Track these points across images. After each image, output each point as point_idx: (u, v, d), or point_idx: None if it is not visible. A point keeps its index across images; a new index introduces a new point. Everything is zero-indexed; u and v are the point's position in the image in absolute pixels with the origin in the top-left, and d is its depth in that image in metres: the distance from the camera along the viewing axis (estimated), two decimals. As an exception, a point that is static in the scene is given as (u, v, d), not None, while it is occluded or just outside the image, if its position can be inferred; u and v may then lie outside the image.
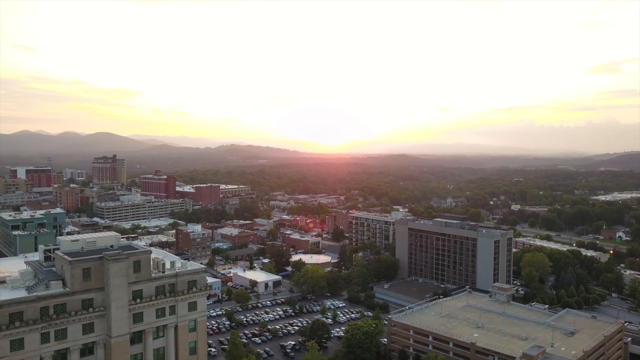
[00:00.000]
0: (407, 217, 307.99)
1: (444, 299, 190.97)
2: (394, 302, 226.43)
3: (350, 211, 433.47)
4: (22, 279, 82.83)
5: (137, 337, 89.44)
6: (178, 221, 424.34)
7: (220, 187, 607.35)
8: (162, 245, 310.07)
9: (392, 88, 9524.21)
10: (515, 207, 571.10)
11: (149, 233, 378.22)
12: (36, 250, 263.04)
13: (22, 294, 76.64)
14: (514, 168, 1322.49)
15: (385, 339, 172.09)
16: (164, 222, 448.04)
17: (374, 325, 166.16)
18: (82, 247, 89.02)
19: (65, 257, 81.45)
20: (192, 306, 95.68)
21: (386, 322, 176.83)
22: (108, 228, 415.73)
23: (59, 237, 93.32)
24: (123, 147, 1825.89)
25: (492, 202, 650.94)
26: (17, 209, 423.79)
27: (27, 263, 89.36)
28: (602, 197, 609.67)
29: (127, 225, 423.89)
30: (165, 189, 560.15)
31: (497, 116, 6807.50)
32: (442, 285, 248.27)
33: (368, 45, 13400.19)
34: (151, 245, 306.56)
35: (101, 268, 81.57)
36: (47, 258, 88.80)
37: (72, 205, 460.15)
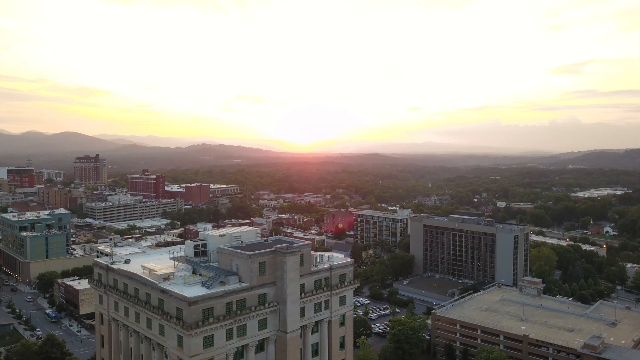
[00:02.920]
0: (422, 215, 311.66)
1: (479, 293, 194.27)
2: (418, 298, 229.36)
3: (350, 209, 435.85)
4: (191, 275, 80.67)
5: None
6: (175, 221, 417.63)
7: (210, 187, 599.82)
8: (167, 245, 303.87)
9: (361, 87, 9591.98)
10: (501, 204, 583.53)
11: (148, 233, 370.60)
12: (47, 251, 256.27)
13: (199, 290, 74.93)
14: (486, 166, 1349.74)
15: (425, 334, 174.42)
16: (157, 222, 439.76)
17: (419, 320, 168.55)
18: (242, 242, 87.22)
19: (241, 251, 80.00)
20: (342, 300, 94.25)
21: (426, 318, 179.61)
22: (102, 228, 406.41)
23: (203, 232, 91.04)
24: (90, 147, 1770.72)
25: (475, 200, 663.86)
26: (4, 210, 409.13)
27: (173, 259, 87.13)
28: (580, 194, 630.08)
29: (120, 225, 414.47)
30: (155, 188, 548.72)
31: (464, 115, 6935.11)
32: (459, 281, 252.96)
33: (337, 46, 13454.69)
34: (157, 245, 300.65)
35: (273, 262, 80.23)
36: (196, 254, 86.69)
37: (61, 206, 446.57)
